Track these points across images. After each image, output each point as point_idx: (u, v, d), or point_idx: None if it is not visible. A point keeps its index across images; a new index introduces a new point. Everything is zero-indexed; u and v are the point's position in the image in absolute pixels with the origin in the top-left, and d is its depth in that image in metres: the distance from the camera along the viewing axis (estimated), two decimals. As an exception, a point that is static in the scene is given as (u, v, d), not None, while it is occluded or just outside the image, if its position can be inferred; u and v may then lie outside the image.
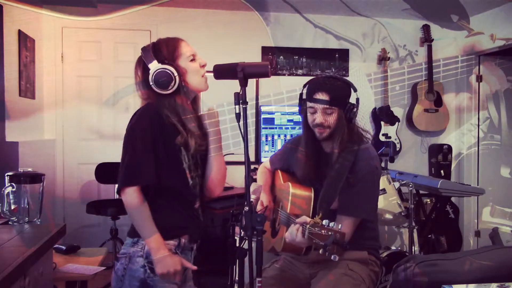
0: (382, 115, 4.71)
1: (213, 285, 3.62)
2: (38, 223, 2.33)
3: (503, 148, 5.10)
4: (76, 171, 4.47)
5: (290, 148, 2.26)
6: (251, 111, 4.45)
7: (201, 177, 1.83)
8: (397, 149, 4.77)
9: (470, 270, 1.75)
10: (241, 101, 1.60)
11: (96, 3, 4.23)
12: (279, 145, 4.40)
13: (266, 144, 4.43)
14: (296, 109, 2.15)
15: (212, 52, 3.48)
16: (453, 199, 4.39)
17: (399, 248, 3.28)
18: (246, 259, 1.68)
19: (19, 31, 3.75)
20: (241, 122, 1.60)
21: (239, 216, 1.74)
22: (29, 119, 4.04)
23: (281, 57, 4.75)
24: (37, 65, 4.18)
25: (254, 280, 1.58)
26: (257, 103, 4.54)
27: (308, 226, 1.66)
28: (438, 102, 4.86)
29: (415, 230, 3.19)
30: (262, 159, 4.34)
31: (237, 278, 1.74)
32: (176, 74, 1.72)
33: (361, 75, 4.85)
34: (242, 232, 1.65)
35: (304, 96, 2.06)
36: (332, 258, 1.58)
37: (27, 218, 2.30)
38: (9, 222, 2.28)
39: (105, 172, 4.15)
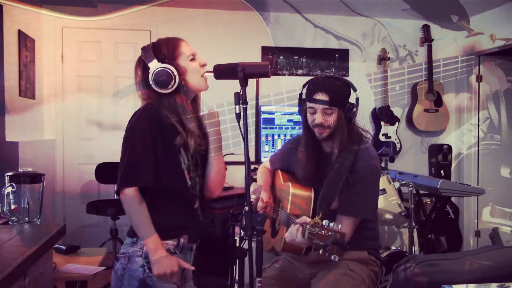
0: (382, 115, 4.71)
1: (213, 285, 3.61)
2: (38, 223, 2.33)
3: (503, 148, 5.10)
4: (76, 171, 4.47)
5: (290, 148, 2.26)
6: (251, 111, 4.45)
7: (201, 177, 1.83)
8: (397, 149, 4.77)
9: (470, 270, 1.75)
10: (241, 101, 1.60)
11: (96, 3, 4.23)
12: (279, 145, 4.40)
13: (266, 144, 4.43)
14: (296, 109, 2.15)
15: (212, 52, 3.47)
16: (453, 199, 4.39)
17: (399, 248, 3.28)
18: (246, 259, 1.68)
19: (19, 31, 3.75)
20: (241, 122, 1.60)
21: (239, 216, 1.74)
22: (29, 119, 4.04)
23: (281, 57, 4.75)
24: (37, 65, 4.18)
25: (254, 280, 1.58)
26: (257, 103, 4.54)
27: (308, 226, 1.65)
28: (438, 102, 4.86)
29: (415, 230, 3.19)
30: (262, 159, 4.34)
31: (237, 278, 1.74)
32: (176, 73, 1.72)
33: (361, 75, 4.85)
34: (242, 232, 1.65)
35: (303, 96, 2.06)
36: (332, 258, 1.58)
37: (27, 218, 2.30)
38: (9, 222, 2.28)
39: (105, 172, 4.15)
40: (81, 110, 4.46)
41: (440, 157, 4.84)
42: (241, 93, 1.61)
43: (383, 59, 4.79)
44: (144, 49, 1.76)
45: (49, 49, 4.35)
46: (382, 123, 4.73)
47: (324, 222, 1.65)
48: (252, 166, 3.78)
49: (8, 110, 3.48)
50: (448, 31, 4.98)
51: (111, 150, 4.09)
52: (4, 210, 2.28)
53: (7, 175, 2.31)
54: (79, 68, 4.45)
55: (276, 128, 4.44)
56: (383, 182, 3.06)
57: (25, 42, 3.89)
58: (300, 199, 2.01)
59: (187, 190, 1.76)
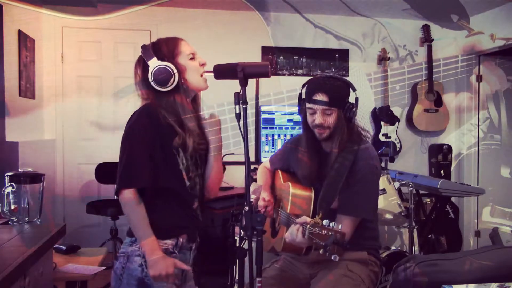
0: (382, 115, 4.71)
1: (213, 285, 3.61)
2: (38, 223, 2.33)
3: (503, 148, 5.10)
4: (76, 171, 4.47)
5: (290, 148, 2.26)
6: (251, 111, 4.45)
7: (201, 177, 1.83)
8: (397, 149, 4.77)
9: (470, 270, 1.75)
10: (241, 101, 1.60)
11: (96, 3, 4.23)
12: (279, 145, 4.40)
13: (266, 144, 4.43)
14: (296, 109, 2.15)
15: (212, 52, 3.48)
16: (453, 199, 4.38)
17: (399, 248, 3.28)
18: (246, 259, 1.68)
19: (19, 31, 3.75)
20: (241, 122, 1.60)
21: (239, 216, 1.74)
22: (29, 119, 4.04)
23: (281, 57, 4.75)
24: (37, 65, 4.18)
25: (254, 280, 1.58)
26: (257, 103, 4.54)
27: (308, 226, 1.65)
28: (438, 102, 4.86)
29: (415, 230, 3.19)
30: (262, 159, 4.34)
31: (237, 278, 1.74)
32: (175, 71, 1.72)
33: (361, 75, 4.85)
34: (242, 232, 1.65)
35: (303, 96, 2.06)
36: (332, 258, 1.58)
37: (27, 218, 2.31)
38: (9, 222, 2.28)
39: (105, 172, 4.15)
40: (81, 110, 4.46)
41: (440, 157, 4.84)
42: (241, 93, 1.60)
43: (383, 59, 4.79)
44: (144, 47, 1.77)
45: (49, 49, 4.35)
46: (382, 123, 4.73)
47: (324, 222, 1.65)
48: (252, 166, 3.78)
49: (8, 110, 3.48)
50: (448, 30, 4.98)
51: (111, 150, 4.06)
52: (4, 210, 2.28)
53: (7, 175, 2.31)
54: (79, 68, 4.44)
55: (276, 128, 4.44)
56: (383, 182, 3.06)
57: (25, 42, 3.89)
58: (300, 199, 2.01)
59: (185, 190, 1.76)
